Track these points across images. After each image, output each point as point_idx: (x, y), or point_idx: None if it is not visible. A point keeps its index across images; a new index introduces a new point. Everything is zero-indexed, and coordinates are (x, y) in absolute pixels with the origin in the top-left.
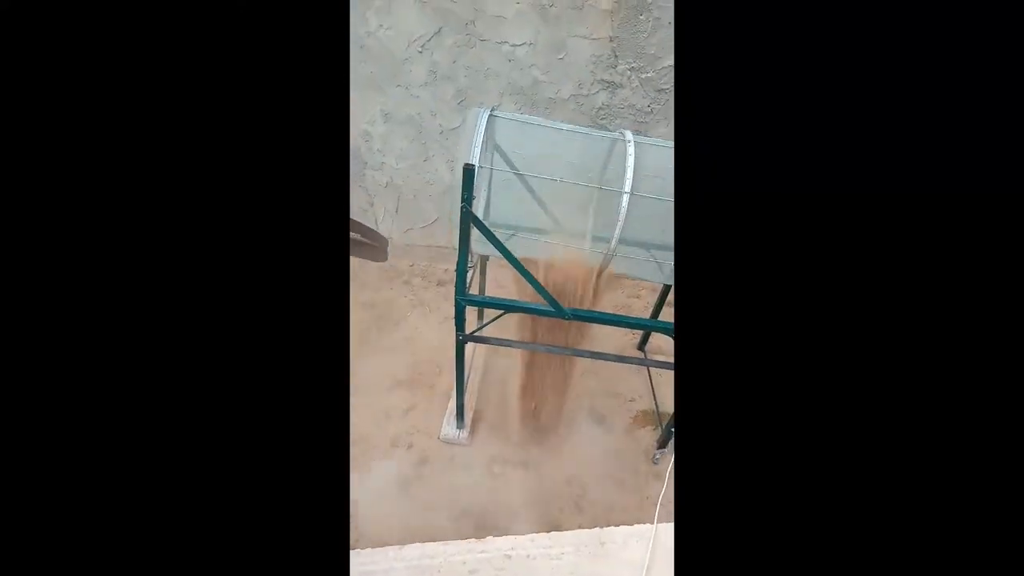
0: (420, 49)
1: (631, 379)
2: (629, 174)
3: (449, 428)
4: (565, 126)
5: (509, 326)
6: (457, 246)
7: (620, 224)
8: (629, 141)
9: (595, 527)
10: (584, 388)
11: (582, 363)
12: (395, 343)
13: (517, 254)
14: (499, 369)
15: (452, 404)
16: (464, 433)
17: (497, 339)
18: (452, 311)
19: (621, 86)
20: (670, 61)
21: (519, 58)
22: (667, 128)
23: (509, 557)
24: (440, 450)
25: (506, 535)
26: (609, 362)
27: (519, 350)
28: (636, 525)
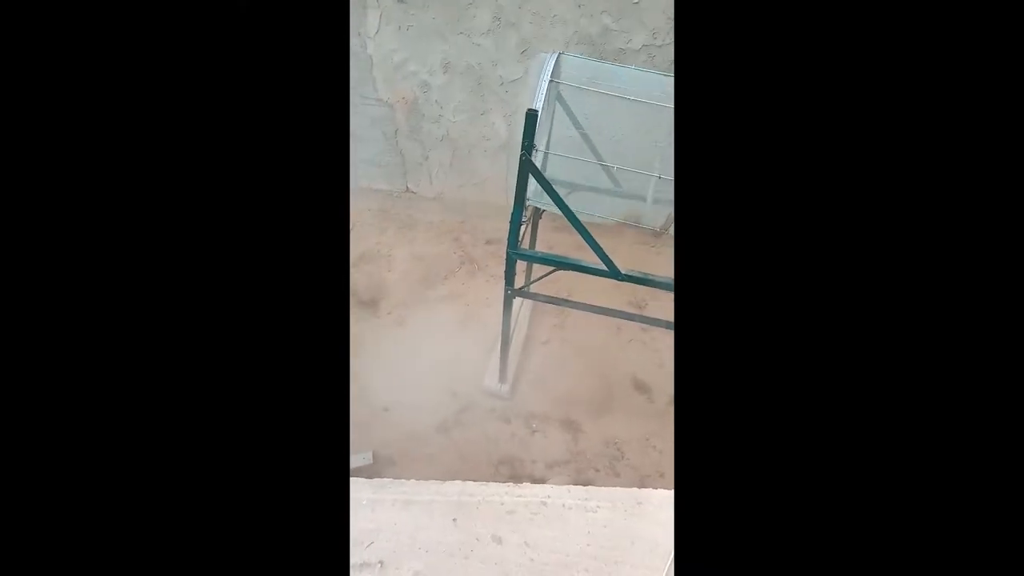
0: None
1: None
2: None
3: (491, 381)
4: (635, 70)
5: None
6: (512, 202)
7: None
8: None
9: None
10: (629, 357)
11: (629, 330)
12: (443, 296)
13: (575, 211)
14: (544, 328)
15: (496, 358)
16: (506, 387)
17: (545, 296)
18: (500, 269)
19: None
20: None
21: (589, 2)
22: None
23: (544, 504)
24: (482, 401)
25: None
26: (660, 332)
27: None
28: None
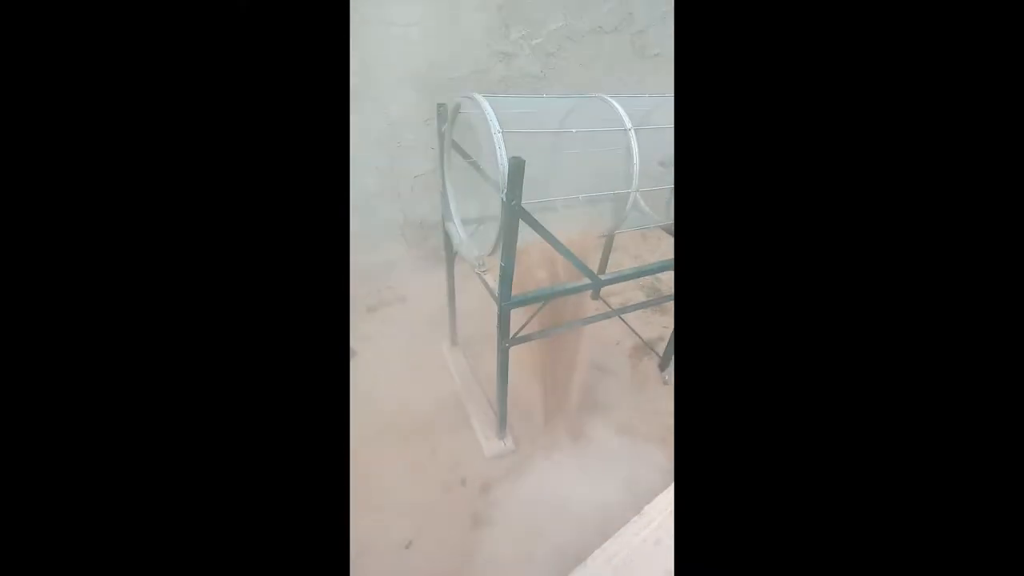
0: None
1: (606, 326)
2: (624, 116)
3: (492, 444)
4: (546, 97)
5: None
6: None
7: (636, 161)
8: (601, 96)
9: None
10: (574, 349)
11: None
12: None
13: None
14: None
15: (479, 422)
16: (509, 441)
17: (538, 332)
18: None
19: (515, 55)
20: (555, 24)
21: (412, 40)
22: (558, 92)
23: (658, 543)
24: (494, 468)
25: (648, 500)
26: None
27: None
28: None
